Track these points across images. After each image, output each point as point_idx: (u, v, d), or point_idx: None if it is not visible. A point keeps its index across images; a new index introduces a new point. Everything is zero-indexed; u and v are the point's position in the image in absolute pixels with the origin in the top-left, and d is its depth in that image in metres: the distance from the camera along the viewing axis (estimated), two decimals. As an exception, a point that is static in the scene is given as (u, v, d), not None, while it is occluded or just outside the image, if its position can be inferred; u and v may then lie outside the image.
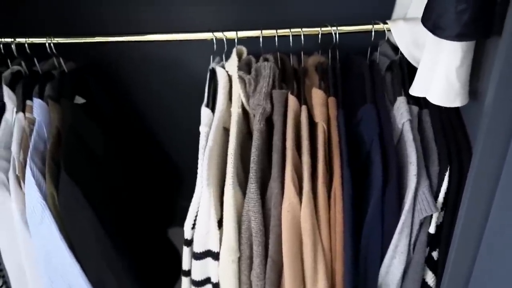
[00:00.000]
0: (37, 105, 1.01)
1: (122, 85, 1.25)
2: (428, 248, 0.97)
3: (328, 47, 1.01)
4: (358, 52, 1.04)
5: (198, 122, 0.98)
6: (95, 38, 1.05)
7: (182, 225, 1.00)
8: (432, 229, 0.94)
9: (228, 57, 1.04)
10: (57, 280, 1.03)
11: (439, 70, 0.80)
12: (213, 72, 1.04)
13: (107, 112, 1.13)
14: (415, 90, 0.89)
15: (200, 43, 1.01)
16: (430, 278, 0.99)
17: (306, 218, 0.92)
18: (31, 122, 1.01)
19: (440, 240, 0.95)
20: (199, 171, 0.93)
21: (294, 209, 0.91)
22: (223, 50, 1.02)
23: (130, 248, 1.10)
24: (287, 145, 0.93)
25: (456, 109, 0.93)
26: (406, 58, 0.96)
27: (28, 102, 1.03)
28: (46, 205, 0.95)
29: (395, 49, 1.01)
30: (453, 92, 0.81)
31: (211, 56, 1.06)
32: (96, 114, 1.09)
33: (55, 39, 1.02)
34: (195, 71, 1.19)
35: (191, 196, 0.96)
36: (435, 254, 0.98)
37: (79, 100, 1.08)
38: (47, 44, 1.02)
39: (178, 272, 1.38)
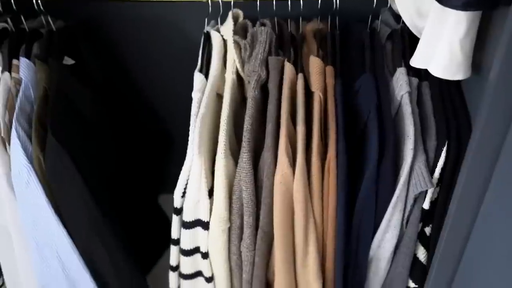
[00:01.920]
0: (23, 65, 0.96)
1: (113, 46, 1.20)
2: (421, 223, 0.95)
3: (328, 13, 0.97)
4: (359, 19, 1.00)
5: (191, 86, 0.95)
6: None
7: (173, 192, 0.99)
8: (426, 205, 0.92)
9: (223, 20, 1.00)
10: (44, 246, 1.01)
11: (443, 41, 0.77)
12: (208, 36, 1.00)
13: (98, 74, 1.09)
14: (416, 61, 0.86)
15: (195, 5, 0.97)
16: (421, 253, 0.98)
17: (299, 190, 0.89)
18: (18, 83, 0.97)
19: (434, 216, 0.94)
20: (190, 138, 0.90)
21: (286, 181, 0.89)
22: (219, 13, 0.98)
23: (119, 215, 1.08)
24: (281, 114, 0.90)
25: (457, 82, 0.90)
26: (408, 28, 0.93)
27: (14, 61, 0.99)
28: (32, 169, 0.92)
29: (397, 17, 0.97)
30: (455, 65, 0.78)
31: (206, 19, 1.02)
32: (85, 76, 1.05)
33: (43, -5, 0.97)
34: (190, 34, 1.15)
35: (183, 163, 0.93)
36: (427, 230, 0.96)
37: (69, 61, 1.04)
38: (34, 1, 0.97)
39: (167, 240, 1.37)
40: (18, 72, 0.97)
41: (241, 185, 0.91)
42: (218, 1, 0.95)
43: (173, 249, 1.03)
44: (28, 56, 0.98)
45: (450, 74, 0.79)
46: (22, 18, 1.01)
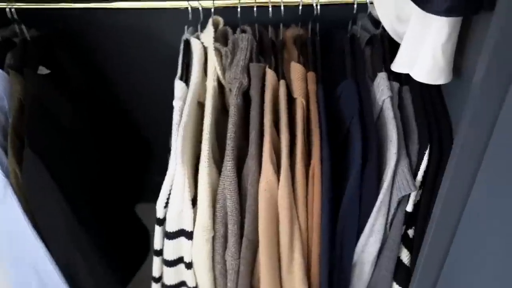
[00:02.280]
0: (-4, 76, 0.94)
1: (90, 55, 1.18)
2: (404, 226, 0.96)
3: (309, 19, 0.98)
4: (339, 25, 1.01)
5: (171, 94, 0.94)
6: (60, 4, 0.99)
7: (150, 201, 0.96)
8: (409, 208, 0.93)
9: (203, 27, 0.99)
10: (22, 262, 0.98)
11: (425, 46, 0.78)
12: (187, 43, 0.99)
13: (77, 82, 1.07)
14: (398, 66, 0.87)
15: (175, 13, 0.96)
16: (405, 256, 0.99)
17: (284, 197, 0.89)
18: (-10, 94, 0.94)
19: (417, 218, 0.94)
20: (172, 147, 0.89)
21: (271, 188, 0.89)
22: (198, 20, 0.97)
23: (98, 226, 1.06)
24: (265, 121, 0.90)
25: (437, 86, 0.91)
26: (387, 33, 0.94)
27: (-14, 72, 0.96)
28: (8, 183, 0.89)
29: (376, 23, 0.98)
30: (438, 70, 0.79)
31: (186, 27, 1.01)
32: (64, 85, 1.03)
33: (16, 4, 0.94)
34: (169, 41, 1.13)
35: (161, 171, 0.92)
36: (410, 232, 0.97)
37: (43, 70, 1.01)
38: (7, 10, 0.94)
39: (147, 250, 1.35)
40: (-10, 83, 0.94)
41: (225, 194, 0.90)
42: (198, 8, 0.94)
43: (156, 260, 1.01)
44: (1, 67, 0.95)
45: (432, 79, 0.80)
46: (-6, 27, 0.99)
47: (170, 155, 1.24)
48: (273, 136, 0.89)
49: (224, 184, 0.90)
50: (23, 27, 0.98)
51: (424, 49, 0.79)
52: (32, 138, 0.89)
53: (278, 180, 0.89)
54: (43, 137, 0.92)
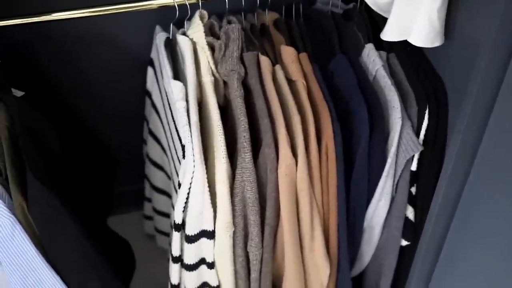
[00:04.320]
0: (-27, 106, 0.85)
1: (46, 70, 1.10)
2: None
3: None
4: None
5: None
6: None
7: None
8: (414, 167, 0.98)
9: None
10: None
11: (422, 12, 0.82)
12: (168, 42, 0.96)
13: (46, 100, 1.00)
14: (390, 35, 0.90)
15: (130, 15, 0.92)
16: (410, 212, 1.04)
17: (303, 178, 0.91)
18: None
19: (419, 176, 1.00)
20: (188, 148, 0.86)
21: (291, 171, 0.90)
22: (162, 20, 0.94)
23: (101, 246, 1.01)
24: (274, 108, 0.90)
25: (421, 49, 0.97)
26: (363, 7, 0.97)
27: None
28: (15, 219, 0.82)
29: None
30: (434, 33, 0.84)
31: (157, 27, 0.98)
32: (38, 105, 0.95)
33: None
34: (129, 48, 1.08)
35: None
36: (413, 190, 1.02)
37: (18, 93, 0.93)
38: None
39: (133, 261, 1.31)
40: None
41: (245, 186, 0.90)
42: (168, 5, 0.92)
43: (175, 267, 0.99)
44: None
45: (430, 42, 0.85)
46: None
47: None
48: (285, 121, 0.90)
49: (242, 177, 0.90)
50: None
51: (420, 15, 0.83)
52: (33, 167, 0.82)
53: (296, 163, 0.90)
54: (41, 164, 0.86)
